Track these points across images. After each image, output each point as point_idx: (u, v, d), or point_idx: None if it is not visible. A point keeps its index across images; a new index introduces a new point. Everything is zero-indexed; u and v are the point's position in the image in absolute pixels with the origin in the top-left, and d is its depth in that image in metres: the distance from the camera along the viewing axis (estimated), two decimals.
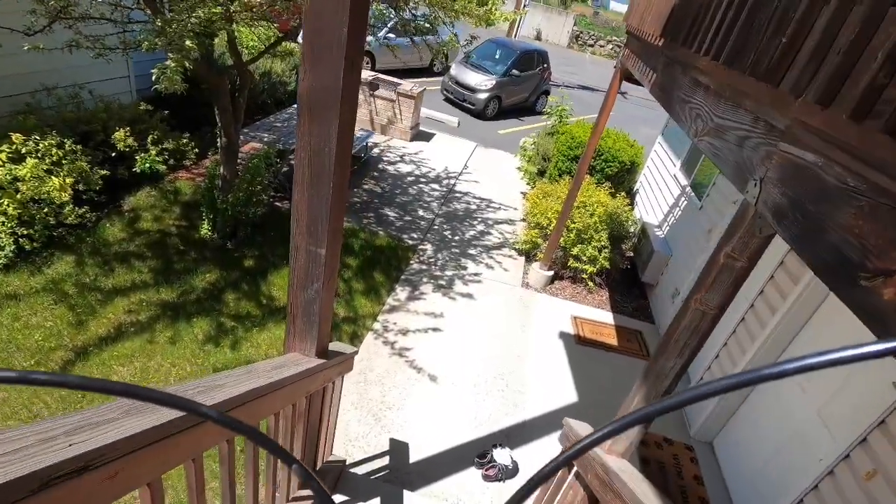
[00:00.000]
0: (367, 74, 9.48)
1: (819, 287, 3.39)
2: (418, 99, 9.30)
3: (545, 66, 13.27)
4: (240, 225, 5.61)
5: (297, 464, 0.43)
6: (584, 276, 5.96)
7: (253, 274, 5.09)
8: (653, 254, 5.99)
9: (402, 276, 5.53)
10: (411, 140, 9.59)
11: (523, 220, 7.32)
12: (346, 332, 4.54)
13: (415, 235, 6.38)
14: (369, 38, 11.80)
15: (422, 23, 6.07)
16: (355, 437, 3.55)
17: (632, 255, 6.76)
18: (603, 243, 5.92)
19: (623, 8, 29.00)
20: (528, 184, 8.53)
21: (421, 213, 7.01)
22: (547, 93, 13.48)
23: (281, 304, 4.74)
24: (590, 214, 6.08)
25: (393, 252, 5.89)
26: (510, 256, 6.44)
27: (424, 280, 5.56)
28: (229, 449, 1.57)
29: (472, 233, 6.79)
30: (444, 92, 12.57)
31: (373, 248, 5.88)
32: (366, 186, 7.41)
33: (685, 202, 6.03)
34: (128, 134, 5.91)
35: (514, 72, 12.23)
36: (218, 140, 5.31)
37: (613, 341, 5.23)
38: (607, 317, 5.67)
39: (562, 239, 5.89)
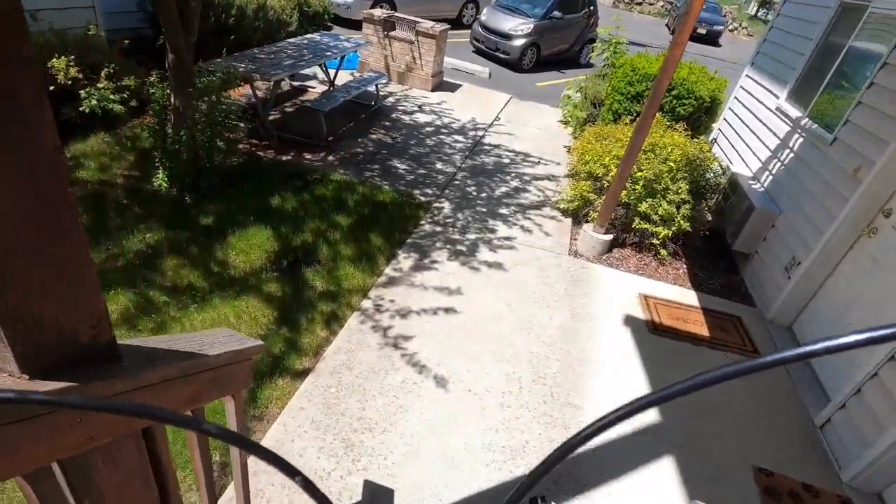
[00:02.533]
0: (382, 13, 8.04)
1: None
2: (440, 39, 7.80)
3: (591, 8, 11.43)
4: (203, 174, 4.37)
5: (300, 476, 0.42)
6: (655, 241, 4.41)
7: (210, 234, 3.83)
8: (751, 212, 4.38)
9: (409, 240, 4.15)
10: (433, 90, 8.13)
11: (569, 175, 5.79)
12: (320, 313, 3.22)
13: (429, 191, 4.98)
14: None
15: None
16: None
17: (709, 219, 5.13)
18: (682, 197, 4.35)
19: None
20: (572, 135, 6.95)
21: (439, 166, 5.60)
22: (593, 41, 11.65)
23: (236, 274, 3.47)
24: (662, 160, 4.51)
25: (398, 209, 4.52)
26: (553, 218, 4.95)
27: (437, 244, 4.16)
28: None
29: (503, 189, 5.33)
30: (474, 42, 10.97)
31: (372, 203, 4.52)
32: (373, 136, 6.04)
33: (799, 140, 4.36)
34: (71, 64, 4.75)
35: (556, 14, 10.48)
36: (165, 58, 4.03)
37: (703, 330, 3.70)
38: (689, 296, 4.13)
39: (624, 192, 4.37)
